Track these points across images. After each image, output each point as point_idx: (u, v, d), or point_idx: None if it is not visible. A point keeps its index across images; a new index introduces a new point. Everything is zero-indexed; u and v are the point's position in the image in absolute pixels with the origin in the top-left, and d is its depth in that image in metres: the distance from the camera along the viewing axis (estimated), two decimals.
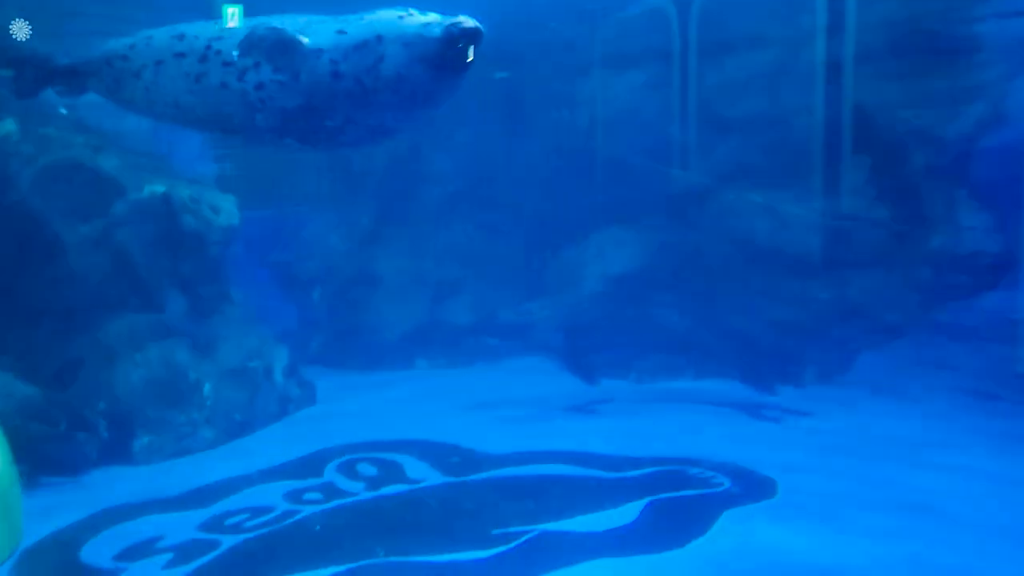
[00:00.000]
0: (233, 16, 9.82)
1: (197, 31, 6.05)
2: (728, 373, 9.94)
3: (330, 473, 7.11)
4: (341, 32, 5.60)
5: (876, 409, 8.70)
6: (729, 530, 5.71)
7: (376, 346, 11.38)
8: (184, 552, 5.65)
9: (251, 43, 5.69)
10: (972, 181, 8.98)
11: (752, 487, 6.50)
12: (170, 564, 5.48)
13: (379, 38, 5.48)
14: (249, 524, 6.07)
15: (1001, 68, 8.50)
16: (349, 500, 6.50)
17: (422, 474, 7.02)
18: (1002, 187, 7.29)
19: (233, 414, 8.36)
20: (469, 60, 5.47)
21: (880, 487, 6.46)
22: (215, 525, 6.10)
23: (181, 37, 6.04)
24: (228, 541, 5.79)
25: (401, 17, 5.55)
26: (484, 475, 6.98)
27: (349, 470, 7.18)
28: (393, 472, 7.09)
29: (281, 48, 5.61)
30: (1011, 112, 8.47)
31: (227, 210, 8.89)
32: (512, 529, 5.83)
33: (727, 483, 6.59)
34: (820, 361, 9.60)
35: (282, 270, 11.96)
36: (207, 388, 8.19)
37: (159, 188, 8.49)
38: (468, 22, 5.39)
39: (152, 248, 8.42)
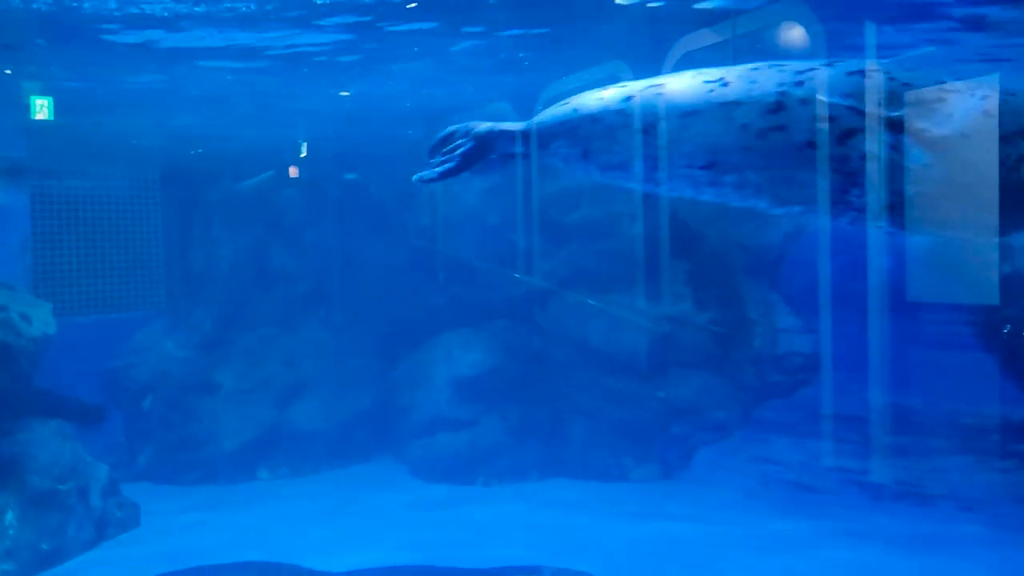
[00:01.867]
0: (42, 108, 8.89)
1: (753, 75, 4.40)
2: (573, 472, 10.04)
3: None
4: None
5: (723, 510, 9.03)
6: None
7: (213, 458, 10.77)
8: None
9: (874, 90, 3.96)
10: (783, 287, 9.71)
11: None
12: None
13: None
14: None
15: None
16: None
17: None
18: (808, 292, 7.98)
19: (39, 543, 7.62)
20: None
21: None
22: None
23: (723, 81, 4.46)
24: None
25: None
26: None
27: None
28: None
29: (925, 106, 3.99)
30: (810, 226, 9.27)
31: (41, 318, 8.31)
32: None
33: None
34: (661, 459, 9.87)
35: (109, 378, 11.23)
36: (9, 516, 7.46)
37: None
38: None
39: None
